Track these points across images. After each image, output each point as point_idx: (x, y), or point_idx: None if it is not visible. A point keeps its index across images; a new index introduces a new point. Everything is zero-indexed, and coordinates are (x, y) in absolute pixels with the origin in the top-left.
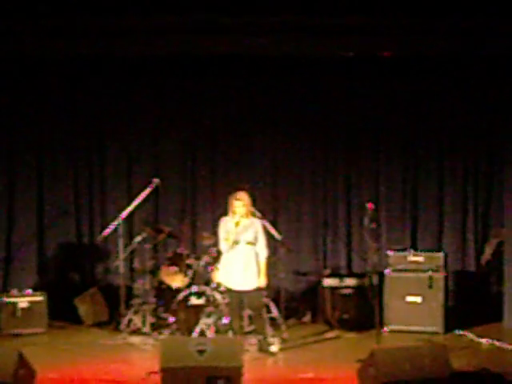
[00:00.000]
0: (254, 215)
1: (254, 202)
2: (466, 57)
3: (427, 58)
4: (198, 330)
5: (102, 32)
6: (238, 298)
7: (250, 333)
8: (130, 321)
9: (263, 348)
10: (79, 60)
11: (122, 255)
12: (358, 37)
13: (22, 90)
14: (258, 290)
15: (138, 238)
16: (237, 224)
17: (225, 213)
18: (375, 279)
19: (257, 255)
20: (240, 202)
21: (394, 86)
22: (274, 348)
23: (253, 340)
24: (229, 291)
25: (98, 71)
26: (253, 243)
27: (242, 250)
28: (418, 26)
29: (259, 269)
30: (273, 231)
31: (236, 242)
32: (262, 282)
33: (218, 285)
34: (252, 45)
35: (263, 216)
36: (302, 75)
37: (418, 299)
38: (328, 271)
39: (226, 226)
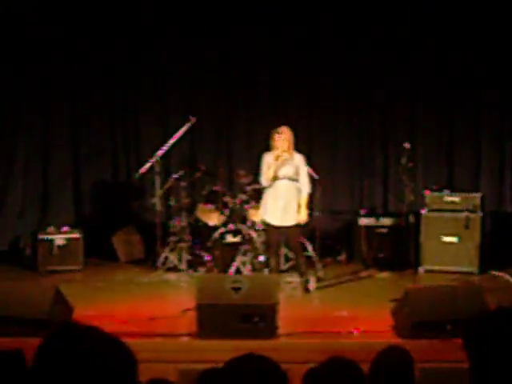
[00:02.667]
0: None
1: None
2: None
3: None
4: (233, 267)
5: None
6: (276, 235)
7: (286, 271)
8: (166, 258)
9: (305, 287)
10: None
11: (158, 193)
12: None
13: (55, 30)
14: (298, 226)
15: (175, 176)
16: (276, 158)
17: (266, 149)
18: (411, 219)
19: (298, 190)
20: (281, 136)
21: (434, 28)
22: (310, 286)
23: (289, 278)
24: (268, 227)
25: (131, 11)
26: (293, 178)
27: (282, 185)
28: None
29: (300, 204)
30: (310, 170)
31: (276, 177)
32: (302, 217)
33: (254, 223)
34: None
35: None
36: (338, 17)
37: (454, 239)
38: (364, 210)
39: (267, 160)
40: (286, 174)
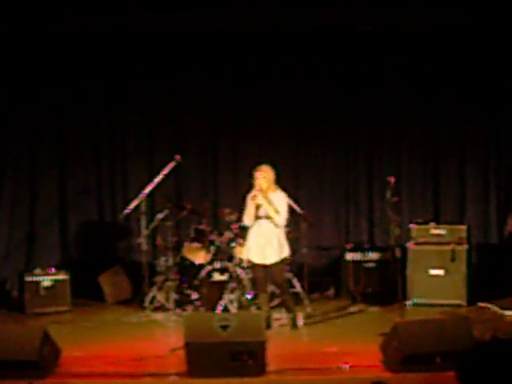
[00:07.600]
0: (279, 189)
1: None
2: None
3: (453, 31)
4: (221, 305)
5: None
6: (262, 272)
7: (273, 308)
8: (153, 298)
9: (293, 323)
10: (101, 37)
11: (144, 232)
12: (378, 9)
13: (43, 67)
14: (281, 262)
15: (160, 215)
16: (253, 198)
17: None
18: (398, 252)
19: (279, 229)
20: (260, 174)
21: (417, 61)
22: (298, 322)
23: (277, 315)
24: (253, 266)
25: (121, 48)
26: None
27: (262, 224)
28: None
29: (283, 242)
30: (294, 205)
31: (257, 217)
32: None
33: (241, 260)
34: (268, 18)
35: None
36: (324, 50)
37: (441, 272)
38: (350, 245)
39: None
40: (266, 213)
